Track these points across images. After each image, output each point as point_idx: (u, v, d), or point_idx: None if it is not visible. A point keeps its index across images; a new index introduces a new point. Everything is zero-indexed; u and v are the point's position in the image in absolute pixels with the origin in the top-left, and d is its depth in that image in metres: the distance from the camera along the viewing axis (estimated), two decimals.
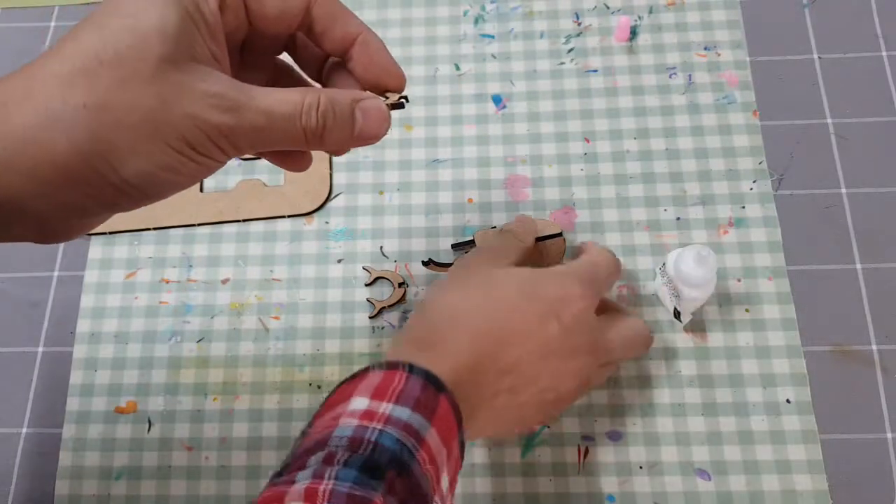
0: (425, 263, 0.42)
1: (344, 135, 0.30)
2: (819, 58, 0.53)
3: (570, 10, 0.55)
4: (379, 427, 0.30)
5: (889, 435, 0.43)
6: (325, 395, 0.34)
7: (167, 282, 0.49)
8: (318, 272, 0.49)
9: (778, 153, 0.50)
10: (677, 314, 0.44)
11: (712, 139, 0.50)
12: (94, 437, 0.45)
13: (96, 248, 0.50)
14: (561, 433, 0.44)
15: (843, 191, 0.49)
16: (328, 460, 0.28)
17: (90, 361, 0.47)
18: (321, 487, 0.27)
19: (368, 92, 0.32)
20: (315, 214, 0.50)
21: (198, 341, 0.47)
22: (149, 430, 0.45)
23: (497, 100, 0.53)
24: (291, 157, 0.34)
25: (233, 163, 0.52)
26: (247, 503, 0.43)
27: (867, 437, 0.43)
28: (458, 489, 0.43)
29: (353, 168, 0.51)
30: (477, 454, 0.44)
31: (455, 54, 0.54)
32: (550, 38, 0.54)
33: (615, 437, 0.44)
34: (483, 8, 0.56)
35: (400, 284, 0.48)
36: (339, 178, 0.51)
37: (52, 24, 0.57)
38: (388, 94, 0.32)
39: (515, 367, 0.36)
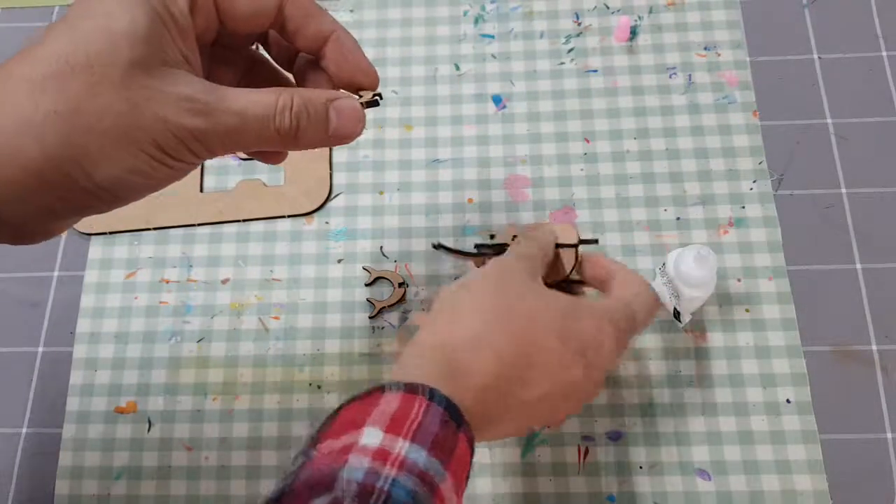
0: (436, 246, 0.40)
1: (318, 135, 0.30)
2: (819, 58, 0.53)
3: (570, 10, 0.55)
4: (392, 474, 0.28)
5: (889, 435, 0.43)
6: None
7: (167, 282, 0.49)
8: (318, 272, 0.49)
9: (778, 153, 0.50)
10: (677, 314, 0.44)
11: (712, 139, 0.50)
12: (94, 437, 0.45)
13: (96, 248, 0.50)
14: (561, 433, 0.44)
15: (843, 191, 0.49)
16: None
17: (90, 361, 0.47)
18: None
19: (343, 91, 0.32)
20: (315, 214, 0.50)
21: (198, 341, 0.47)
22: (149, 430, 0.45)
23: (497, 100, 0.53)
24: (266, 152, 0.34)
25: (233, 163, 0.52)
26: (247, 503, 0.43)
27: (867, 437, 0.43)
28: None
29: (353, 168, 0.51)
30: (477, 454, 0.44)
31: (455, 54, 0.54)
32: (550, 38, 0.54)
33: (615, 437, 0.44)
34: (483, 8, 0.56)
35: (400, 284, 0.48)
36: (339, 178, 0.51)
37: None
38: (361, 93, 0.32)
39: (536, 400, 0.35)
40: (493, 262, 0.37)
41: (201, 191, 0.51)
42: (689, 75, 0.52)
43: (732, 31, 0.53)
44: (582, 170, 0.50)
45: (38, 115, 0.26)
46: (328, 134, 0.31)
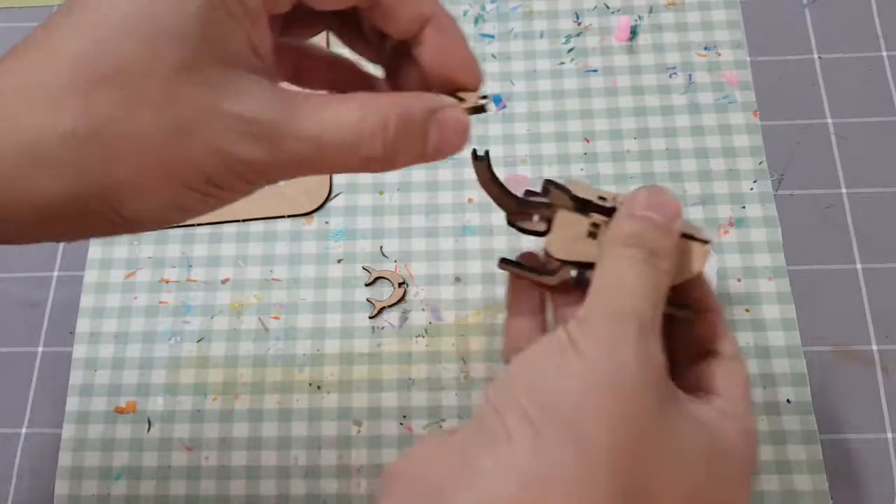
0: (506, 263, 0.28)
1: (413, 156, 0.24)
2: (819, 58, 0.52)
3: (570, 10, 0.55)
4: None
5: (889, 435, 0.43)
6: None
7: (167, 282, 0.49)
8: (318, 272, 0.49)
9: (778, 153, 0.50)
10: None
11: (712, 139, 0.50)
12: (94, 437, 0.45)
13: (96, 248, 0.50)
14: None
15: (843, 191, 0.49)
16: None
17: (90, 361, 0.47)
18: None
19: (444, 97, 0.25)
20: (315, 214, 0.50)
21: (198, 341, 0.47)
22: (149, 430, 0.45)
23: (497, 100, 0.53)
24: None
25: None
26: (247, 503, 0.43)
27: (867, 437, 0.43)
28: None
29: None
30: None
31: None
32: (550, 38, 0.54)
33: None
34: (483, 8, 0.55)
35: (400, 284, 0.48)
36: (339, 178, 0.51)
37: None
38: (461, 94, 0.25)
39: None
40: (600, 366, 0.22)
41: None
42: (690, 75, 0.52)
43: (732, 31, 0.53)
44: (582, 170, 0.50)
45: (53, 138, 0.20)
46: (424, 153, 0.24)
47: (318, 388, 0.46)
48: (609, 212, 0.26)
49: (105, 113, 0.20)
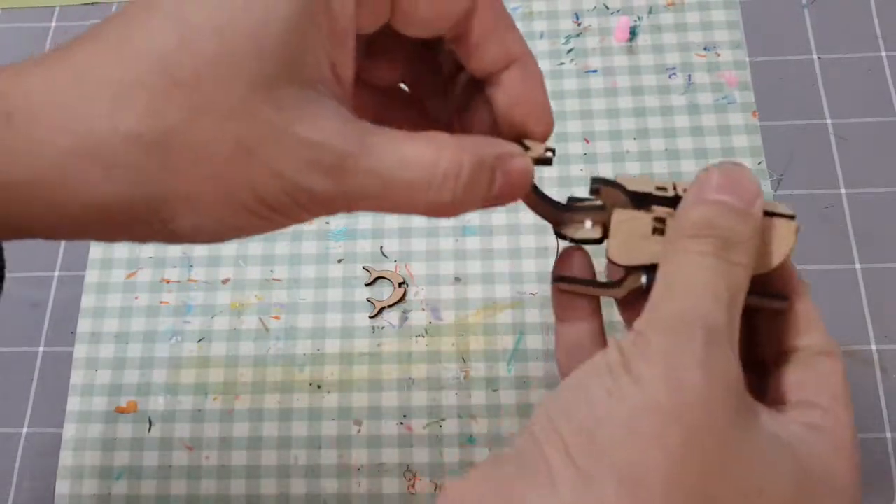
0: (563, 280, 0.25)
1: (475, 203, 0.22)
2: (819, 58, 0.53)
3: (570, 10, 0.55)
4: None
5: (889, 435, 0.43)
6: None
7: (167, 282, 0.49)
8: (318, 272, 0.49)
9: (777, 153, 0.50)
10: None
11: (712, 140, 0.50)
12: (95, 437, 0.45)
13: (97, 248, 0.50)
14: None
15: (843, 191, 0.49)
16: None
17: (90, 361, 0.47)
18: None
19: (512, 144, 0.23)
20: None
21: (198, 341, 0.47)
22: (149, 429, 0.45)
23: None
24: None
25: None
26: (247, 503, 0.44)
27: (867, 437, 0.43)
28: None
29: None
30: (477, 454, 0.44)
31: None
32: (550, 39, 0.54)
33: None
34: None
35: (400, 284, 0.48)
36: None
37: (53, 24, 0.57)
38: (527, 142, 0.24)
39: None
40: (656, 390, 0.19)
41: None
42: (689, 76, 0.52)
43: (732, 32, 0.53)
44: (582, 170, 0.50)
45: (115, 136, 0.19)
46: (486, 200, 0.22)
47: (319, 387, 0.46)
48: (674, 202, 0.23)
49: (173, 119, 0.19)
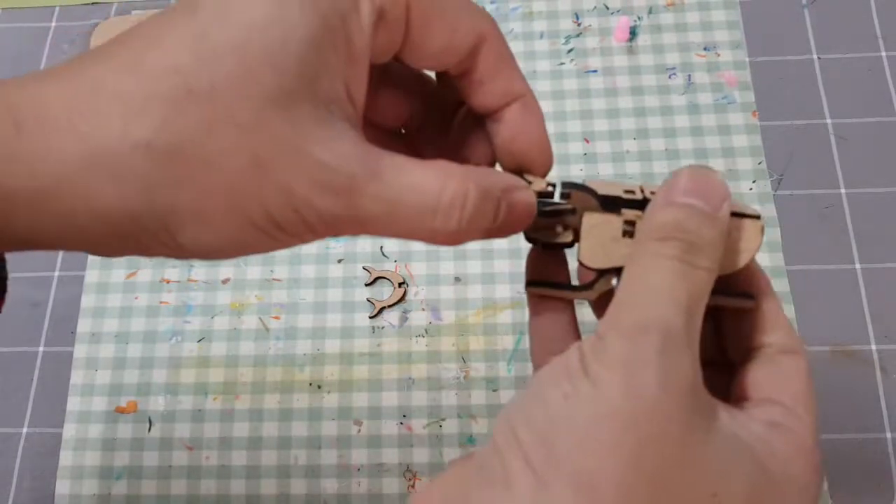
0: (535, 285, 0.26)
1: (479, 233, 0.22)
2: (819, 58, 0.53)
3: (570, 10, 0.55)
4: None
5: (889, 435, 0.43)
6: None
7: (167, 282, 0.49)
8: (318, 272, 0.49)
9: (777, 153, 0.50)
10: None
11: (712, 139, 0.50)
12: (95, 437, 0.45)
13: None
14: None
15: (843, 191, 0.49)
16: None
17: (90, 361, 0.47)
18: None
19: (518, 178, 0.24)
20: None
21: (198, 341, 0.47)
22: (149, 429, 0.45)
23: None
24: None
25: None
26: (247, 503, 0.44)
27: (867, 437, 0.43)
28: None
29: None
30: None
31: None
32: (550, 39, 0.54)
33: None
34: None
35: (400, 284, 0.48)
36: None
37: (53, 24, 0.57)
38: (528, 177, 0.24)
39: None
40: (613, 393, 0.19)
41: None
42: (689, 76, 0.52)
43: (732, 32, 0.53)
44: (582, 170, 0.50)
45: (124, 145, 0.19)
46: (490, 232, 0.22)
47: (319, 387, 0.46)
48: (643, 205, 0.23)
49: (185, 130, 0.19)
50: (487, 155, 0.25)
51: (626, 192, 0.24)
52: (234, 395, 0.46)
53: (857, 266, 0.47)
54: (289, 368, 0.46)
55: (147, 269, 0.49)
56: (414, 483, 0.43)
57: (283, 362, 0.47)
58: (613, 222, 0.23)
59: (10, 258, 0.53)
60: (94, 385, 0.47)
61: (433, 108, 0.26)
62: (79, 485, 0.44)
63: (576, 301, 0.26)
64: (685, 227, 0.21)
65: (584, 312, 0.27)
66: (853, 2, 0.54)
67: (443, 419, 0.44)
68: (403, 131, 0.27)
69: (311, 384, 0.46)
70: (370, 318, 0.47)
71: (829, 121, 0.51)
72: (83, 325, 0.48)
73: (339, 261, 0.49)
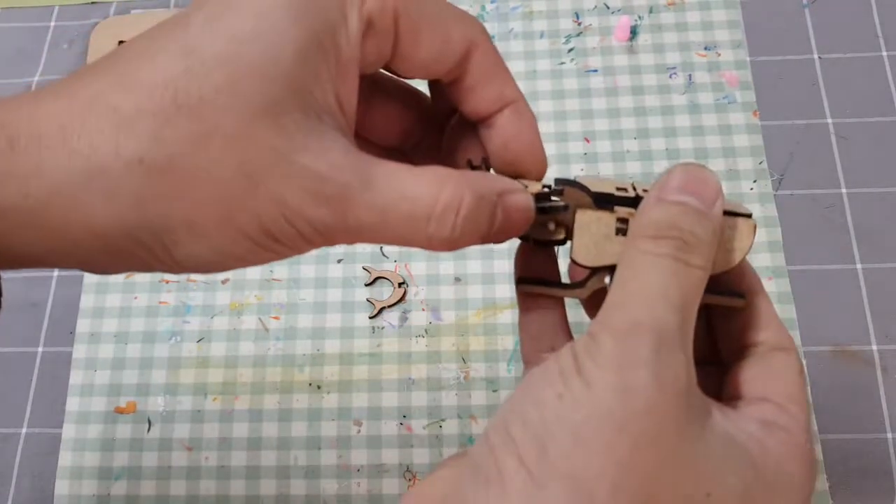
0: (526, 282, 0.26)
1: (475, 239, 0.22)
2: (819, 58, 0.52)
3: (570, 9, 0.55)
4: None
5: (889, 435, 0.43)
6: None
7: (167, 282, 0.49)
8: (318, 272, 0.49)
9: (778, 153, 0.50)
10: None
11: (712, 139, 0.50)
12: (94, 437, 0.45)
13: None
14: None
15: (843, 191, 0.49)
16: None
17: (90, 361, 0.47)
18: None
19: (514, 181, 0.24)
20: None
21: (198, 341, 0.47)
22: (149, 430, 0.45)
23: None
24: None
25: None
26: (247, 503, 0.43)
27: (867, 437, 0.43)
28: None
29: None
30: None
31: None
32: (550, 38, 0.54)
33: None
34: (483, 8, 0.55)
35: (400, 284, 0.48)
36: None
37: (52, 23, 0.57)
38: (523, 182, 0.24)
39: None
40: (605, 394, 0.19)
41: None
42: (690, 75, 0.52)
43: (732, 31, 0.53)
44: (582, 170, 0.50)
45: (117, 162, 0.19)
46: (487, 236, 0.22)
47: (318, 388, 0.46)
48: (635, 202, 0.23)
49: (175, 144, 0.19)
50: (481, 162, 0.25)
51: (619, 189, 0.23)
52: (233, 395, 0.46)
53: (858, 266, 0.47)
54: (288, 369, 0.46)
55: None
56: (414, 483, 0.43)
57: (282, 363, 0.46)
58: (606, 220, 0.23)
59: None
60: (94, 385, 0.47)
61: (428, 125, 0.26)
62: (78, 485, 0.44)
63: (566, 299, 0.26)
64: (678, 224, 0.21)
65: (577, 313, 0.27)
66: (854, 1, 0.54)
67: (443, 419, 0.44)
68: (399, 148, 0.27)
69: (310, 384, 0.46)
70: (370, 318, 0.47)
71: (829, 120, 0.51)
72: (82, 326, 0.48)
73: (339, 261, 0.49)
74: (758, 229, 0.47)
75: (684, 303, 0.20)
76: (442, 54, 0.22)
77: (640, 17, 0.54)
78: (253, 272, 0.49)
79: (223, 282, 0.49)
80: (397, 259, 0.49)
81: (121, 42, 0.55)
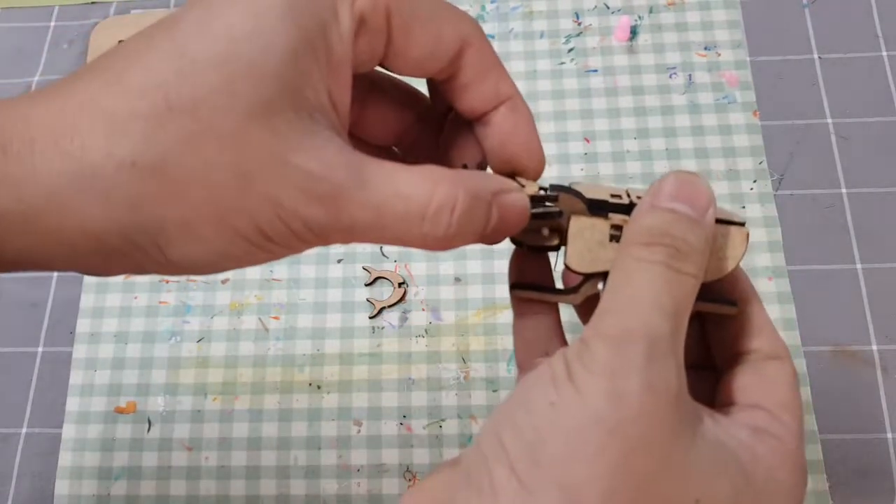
0: (519, 288, 0.26)
1: (470, 238, 0.22)
2: (819, 58, 0.52)
3: (570, 9, 0.55)
4: None
5: (889, 435, 0.43)
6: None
7: (167, 282, 0.49)
8: (318, 272, 0.49)
9: (778, 153, 0.50)
10: None
11: (712, 139, 0.50)
12: (94, 437, 0.45)
13: None
14: None
15: (844, 191, 0.49)
16: None
17: (90, 361, 0.47)
18: None
19: (509, 180, 0.23)
20: None
21: (198, 341, 0.47)
22: (148, 430, 0.45)
23: None
24: None
25: None
26: (247, 503, 0.43)
27: (867, 437, 0.43)
28: None
29: None
30: None
31: None
32: (550, 38, 0.54)
33: None
34: (483, 8, 0.55)
35: (400, 284, 0.48)
36: None
37: (52, 23, 0.57)
38: (519, 180, 0.24)
39: None
40: (597, 402, 0.19)
41: None
42: (690, 75, 0.52)
43: (732, 31, 0.53)
44: (582, 170, 0.50)
45: (109, 164, 0.19)
46: (482, 235, 0.22)
47: (318, 388, 0.46)
48: (629, 209, 0.23)
49: (168, 146, 0.19)
50: (478, 160, 0.25)
51: (613, 196, 0.24)
52: (233, 395, 0.46)
53: (859, 266, 0.47)
54: (288, 369, 0.46)
55: None
56: (414, 483, 0.43)
57: (282, 363, 0.46)
58: (600, 226, 0.23)
59: None
60: (94, 385, 0.47)
61: (426, 125, 0.26)
62: (78, 485, 0.44)
63: (560, 304, 0.26)
64: (671, 232, 0.21)
65: (570, 313, 0.27)
66: (854, 1, 0.54)
67: (443, 419, 0.44)
68: (396, 149, 0.27)
69: (310, 384, 0.46)
70: (370, 318, 0.47)
71: (829, 120, 0.51)
72: (82, 326, 0.48)
73: (339, 261, 0.49)
74: (758, 229, 0.47)
75: (676, 310, 0.20)
76: (435, 52, 0.22)
77: (640, 17, 0.54)
78: (253, 272, 0.49)
79: (223, 282, 0.49)
80: (397, 259, 0.49)
81: (121, 42, 0.55)
